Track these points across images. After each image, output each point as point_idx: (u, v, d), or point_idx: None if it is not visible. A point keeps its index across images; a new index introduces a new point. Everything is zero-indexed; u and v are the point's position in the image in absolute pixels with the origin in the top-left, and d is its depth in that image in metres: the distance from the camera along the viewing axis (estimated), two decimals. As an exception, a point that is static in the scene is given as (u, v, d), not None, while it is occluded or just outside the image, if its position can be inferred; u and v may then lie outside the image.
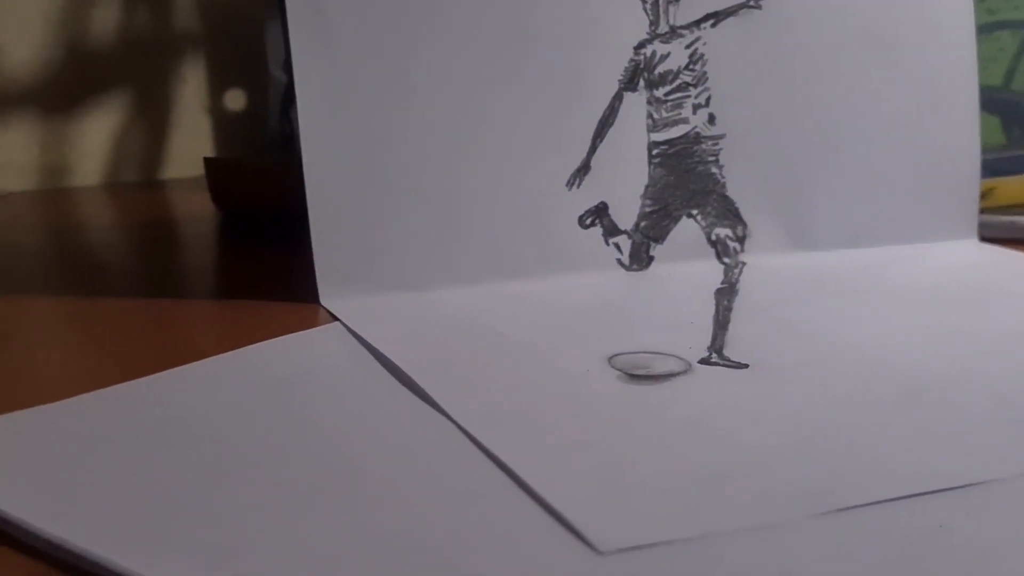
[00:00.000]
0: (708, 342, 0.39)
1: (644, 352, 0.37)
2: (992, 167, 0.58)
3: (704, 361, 0.37)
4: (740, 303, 0.45)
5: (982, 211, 0.55)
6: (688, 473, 0.28)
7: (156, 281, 0.54)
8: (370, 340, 0.39)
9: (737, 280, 0.48)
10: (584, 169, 0.48)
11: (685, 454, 0.30)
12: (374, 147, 0.45)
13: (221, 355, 0.37)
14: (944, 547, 0.24)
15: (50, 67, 0.78)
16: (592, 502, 0.26)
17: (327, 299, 0.44)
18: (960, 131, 0.54)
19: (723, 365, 0.36)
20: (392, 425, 0.32)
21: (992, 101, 0.62)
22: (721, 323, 0.41)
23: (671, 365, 0.36)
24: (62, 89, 0.79)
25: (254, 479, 0.28)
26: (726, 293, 0.46)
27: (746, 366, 0.36)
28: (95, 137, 0.80)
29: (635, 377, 0.35)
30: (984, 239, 0.55)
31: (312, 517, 0.26)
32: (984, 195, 0.56)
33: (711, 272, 0.49)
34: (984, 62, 0.62)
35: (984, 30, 0.62)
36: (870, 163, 0.53)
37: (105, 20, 0.79)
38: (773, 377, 0.36)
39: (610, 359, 0.37)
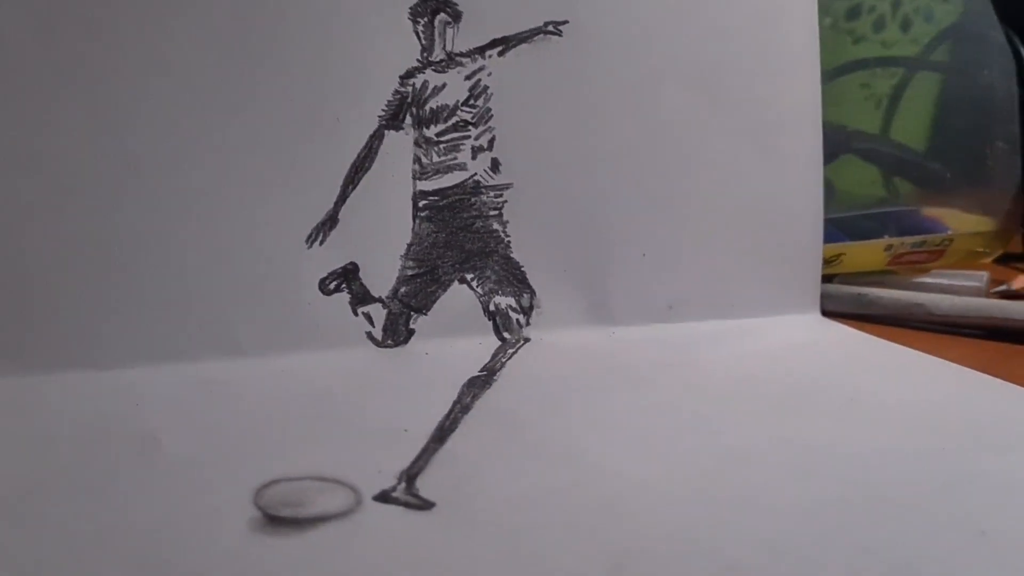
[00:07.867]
0: (407, 463, 0.30)
1: (309, 478, 0.29)
2: (849, 227, 0.50)
3: (382, 496, 0.28)
4: (502, 396, 0.36)
5: (826, 280, 0.47)
6: None
7: None
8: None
9: (502, 366, 0.39)
10: (330, 222, 0.40)
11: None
12: (48, 198, 0.36)
13: None
14: None
15: None
16: None
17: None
18: (801, 188, 0.46)
19: (403, 504, 0.28)
20: None
21: (870, 151, 0.55)
22: (439, 434, 0.32)
23: (332, 502, 0.27)
24: None
25: None
26: (477, 384, 0.37)
27: (431, 506, 0.28)
28: None
29: (277, 520, 0.26)
30: (827, 313, 0.47)
31: None
32: (830, 262, 0.48)
33: (484, 352, 0.41)
34: (857, 105, 0.54)
35: (860, 66, 0.54)
36: (691, 222, 0.45)
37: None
38: (458, 526, 0.27)
39: (259, 489, 0.28)
